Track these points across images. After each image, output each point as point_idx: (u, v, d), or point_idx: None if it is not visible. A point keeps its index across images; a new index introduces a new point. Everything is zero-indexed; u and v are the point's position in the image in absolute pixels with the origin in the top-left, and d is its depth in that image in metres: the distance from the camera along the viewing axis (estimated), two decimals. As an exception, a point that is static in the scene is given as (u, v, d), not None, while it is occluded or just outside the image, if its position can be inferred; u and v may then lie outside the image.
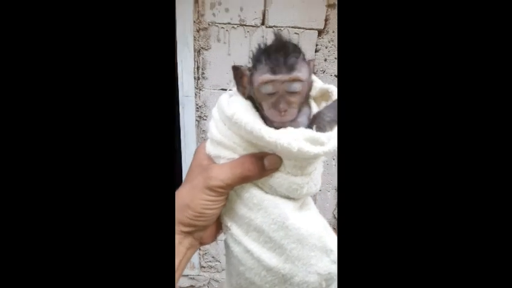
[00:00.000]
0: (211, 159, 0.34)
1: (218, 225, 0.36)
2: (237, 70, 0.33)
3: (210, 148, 0.34)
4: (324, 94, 0.36)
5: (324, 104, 0.35)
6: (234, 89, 0.36)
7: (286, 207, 0.32)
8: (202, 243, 0.36)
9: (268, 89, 0.31)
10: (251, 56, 0.33)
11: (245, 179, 0.32)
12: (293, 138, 0.29)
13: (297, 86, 0.31)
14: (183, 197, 0.32)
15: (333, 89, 0.35)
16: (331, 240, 0.34)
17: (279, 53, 0.30)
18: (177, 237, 0.32)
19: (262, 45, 0.32)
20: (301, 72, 0.31)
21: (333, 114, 0.32)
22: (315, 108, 0.35)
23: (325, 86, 0.35)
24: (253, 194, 0.33)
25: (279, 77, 0.30)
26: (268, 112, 0.31)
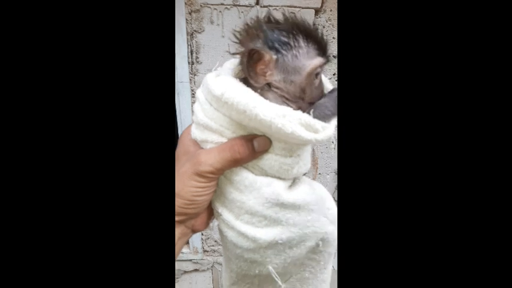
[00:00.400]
0: (197, 145, 0.33)
1: (210, 212, 0.36)
2: (254, 53, 0.29)
3: (196, 133, 0.33)
4: None
5: None
6: (221, 68, 0.34)
7: (279, 186, 0.32)
8: (194, 231, 0.35)
9: (318, 71, 0.30)
10: (266, 37, 0.29)
11: (235, 162, 0.31)
12: (288, 120, 0.28)
13: None
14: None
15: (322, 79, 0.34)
16: (328, 200, 0.34)
17: (318, 34, 0.30)
18: None
19: (282, 26, 0.30)
20: None
21: (333, 108, 0.31)
22: None
23: None
24: (244, 176, 0.32)
25: (325, 59, 0.31)
26: (311, 95, 0.31)
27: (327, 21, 1.00)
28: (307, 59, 0.29)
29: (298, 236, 0.33)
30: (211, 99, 0.31)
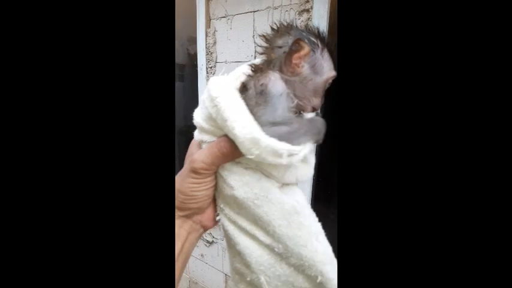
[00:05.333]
0: (199, 147, 0.35)
1: (215, 209, 0.37)
2: (297, 43, 0.30)
3: (196, 134, 0.35)
4: None
5: None
6: (227, 75, 0.34)
7: (268, 182, 0.33)
8: (204, 227, 0.37)
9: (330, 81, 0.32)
10: (298, 34, 0.31)
11: (224, 157, 0.32)
12: (256, 147, 0.28)
13: None
14: (175, 183, 0.34)
15: None
16: (316, 222, 0.34)
17: (334, 53, 0.32)
18: (177, 222, 0.35)
19: (318, 29, 0.32)
20: None
21: (305, 131, 0.31)
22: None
23: None
24: (233, 171, 0.33)
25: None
26: (317, 101, 0.33)
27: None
28: (329, 65, 0.31)
29: (295, 255, 0.32)
30: (207, 98, 0.31)
